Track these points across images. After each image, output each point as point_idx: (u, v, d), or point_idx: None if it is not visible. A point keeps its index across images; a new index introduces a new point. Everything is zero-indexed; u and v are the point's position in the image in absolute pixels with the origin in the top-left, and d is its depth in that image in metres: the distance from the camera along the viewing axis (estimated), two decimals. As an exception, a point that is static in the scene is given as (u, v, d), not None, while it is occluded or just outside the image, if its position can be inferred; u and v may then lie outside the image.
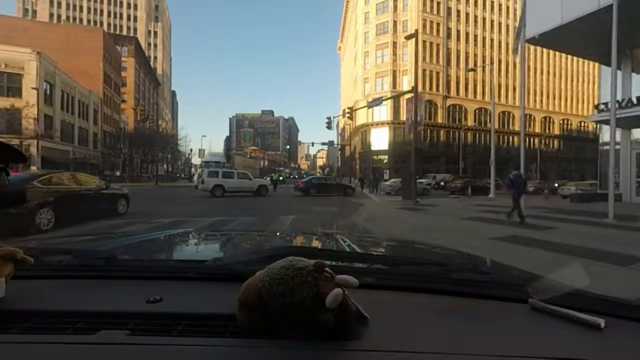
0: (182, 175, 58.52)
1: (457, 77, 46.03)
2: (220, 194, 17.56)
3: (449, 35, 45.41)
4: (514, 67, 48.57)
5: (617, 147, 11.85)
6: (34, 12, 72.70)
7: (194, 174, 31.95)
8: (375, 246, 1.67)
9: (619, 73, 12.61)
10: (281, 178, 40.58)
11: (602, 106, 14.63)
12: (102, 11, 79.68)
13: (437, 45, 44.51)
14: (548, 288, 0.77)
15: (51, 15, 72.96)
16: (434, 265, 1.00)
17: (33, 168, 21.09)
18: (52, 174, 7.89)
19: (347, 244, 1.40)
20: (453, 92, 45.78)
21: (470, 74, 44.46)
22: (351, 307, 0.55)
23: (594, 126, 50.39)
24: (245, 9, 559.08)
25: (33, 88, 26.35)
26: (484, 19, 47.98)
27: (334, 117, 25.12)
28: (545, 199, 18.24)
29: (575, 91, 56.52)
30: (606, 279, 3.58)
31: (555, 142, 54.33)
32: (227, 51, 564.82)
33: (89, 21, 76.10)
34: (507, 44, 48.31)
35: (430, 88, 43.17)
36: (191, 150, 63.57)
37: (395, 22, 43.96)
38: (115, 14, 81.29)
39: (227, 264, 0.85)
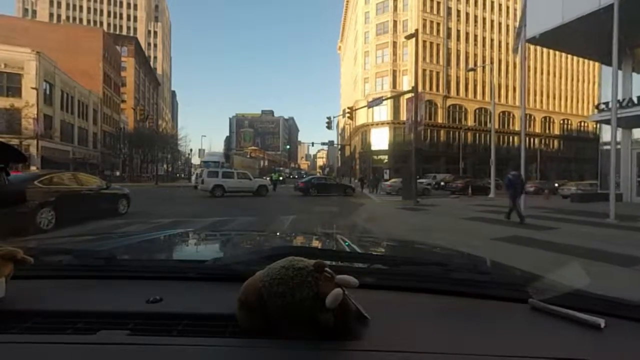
0: (182, 175, 58.51)
1: (457, 77, 46.03)
2: (220, 194, 17.56)
3: (449, 35, 45.42)
4: (514, 67, 48.58)
5: (618, 147, 11.84)
6: (34, 12, 72.69)
7: (193, 174, 31.85)
8: (375, 246, 1.67)
9: (620, 73, 12.62)
10: (281, 178, 40.56)
11: (602, 106, 14.63)
12: (102, 11, 79.67)
13: (437, 45, 44.52)
14: (548, 288, 0.77)
15: (51, 15, 72.96)
16: (434, 265, 1.00)
17: (33, 168, 21.08)
18: (53, 174, 7.89)
19: (347, 244, 1.40)
20: (453, 92, 45.79)
21: (471, 74, 44.47)
22: (351, 307, 0.55)
23: (594, 126, 50.41)
24: (245, 9, 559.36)
25: (33, 88, 26.34)
26: (484, 19, 47.98)
27: (334, 117, 25.13)
28: (545, 199, 18.24)
29: (575, 91, 56.53)
30: (609, 280, 3.56)
31: (556, 142, 54.34)
32: (227, 51, 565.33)
33: (89, 21, 76.09)
34: (507, 44, 48.32)
35: (430, 88, 43.17)
36: (191, 150, 63.65)
37: (395, 22, 43.97)
38: (115, 14, 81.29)
39: (227, 264, 0.85)
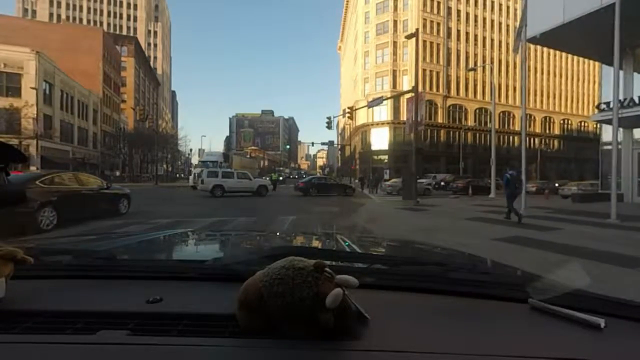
0: (182, 175, 58.54)
1: (458, 77, 46.03)
2: (220, 194, 17.57)
3: (449, 35, 45.41)
4: (514, 67, 48.58)
5: (619, 147, 11.84)
6: (34, 12, 72.68)
7: (191, 174, 31.73)
8: (375, 246, 1.67)
9: (621, 72, 12.61)
10: (281, 178, 40.57)
11: (603, 106, 14.59)
12: (102, 11, 79.67)
13: (438, 45, 44.51)
14: (548, 288, 0.77)
15: (51, 15, 72.96)
16: (434, 265, 1.00)
17: (32, 168, 21.09)
18: (54, 174, 7.91)
19: (347, 244, 1.40)
20: (453, 92, 45.79)
21: (471, 73, 44.48)
22: (351, 307, 0.55)
23: (594, 126, 50.40)
24: (245, 8, 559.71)
25: (32, 88, 26.34)
26: (484, 18, 47.98)
27: (334, 117, 25.10)
28: (546, 199, 18.24)
29: (576, 91, 56.53)
30: (611, 281, 3.53)
31: (556, 142, 54.34)
32: (227, 51, 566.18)
33: (88, 21, 76.10)
34: (508, 43, 48.31)
35: (431, 88, 43.17)
36: (191, 150, 63.73)
37: (395, 22, 43.96)
38: (115, 14, 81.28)
39: (227, 264, 0.85)
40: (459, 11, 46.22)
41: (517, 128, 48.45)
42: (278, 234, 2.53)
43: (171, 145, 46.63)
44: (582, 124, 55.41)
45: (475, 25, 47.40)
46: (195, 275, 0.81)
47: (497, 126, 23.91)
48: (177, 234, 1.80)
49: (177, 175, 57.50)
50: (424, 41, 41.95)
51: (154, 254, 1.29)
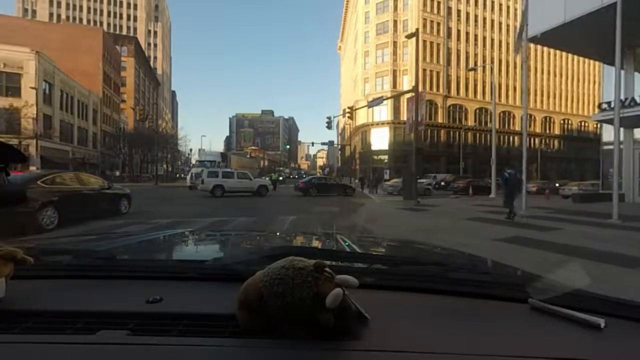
0: (182, 175, 58.50)
1: (458, 77, 46.03)
2: (220, 194, 17.57)
3: (449, 35, 45.41)
4: (515, 67, 48.59)
5: (620, 146, 11.81)
6: (34, 12, 72.68)
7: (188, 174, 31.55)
8: (375, 246, 1.67)
9: (622, 72, 12.61)
10: (281, 178, 40.55)
11: (604, 105, 14.58)
12: (102, 11, 79.67)
13: (438, 45, 44.51)
14: (548, 288, 0.77)
15: (51, 15, 72.96)
16: (434, 265, 1.00)
17: (32, 168, 21.07)
18: (55, 174, 7.93)
19: (347, 244, 1.40)
20: (453, 92, 45.79)
21: (471, 73, 44.47)
22: (351, 307, 0.55)
23: (595, 126, 50.40)
24: (245, 8, 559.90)
25: (32, 88, 26.33)
26: (484, 18, 47.98)
27: (334, 117, 25.09)
28: (546, 199, 18.24)
29: (576, 91, 56.53)
30: (612, 282, 3.53)
31: (556, 142, 54.34)
32: (227, 51, 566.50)
33: (88, 21, 76.11)
34: (508, 43, 48.34)
35: (431, 88, 43.17)
36: (191, 150, 63.73)
37: (395, 22, 43.96)
38: (115, 13, 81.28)
39: (227, 264, 0.85)
40: (459, 11, 46.22)
41: (517, 128, 48.46)
42: (278, 234, 2.53)
43: (171, 145, 46.62)
44: (583, 124, 55.41)
45: (476, 25, 47.40)
46: (195, 275, 0.81)
47: (497, 126, 23.93)
48: (177, 234, 1.80)
49: (177, 175, 57.48)
50: (424, 41, 41.95)
51: (154, 254, 1.29)
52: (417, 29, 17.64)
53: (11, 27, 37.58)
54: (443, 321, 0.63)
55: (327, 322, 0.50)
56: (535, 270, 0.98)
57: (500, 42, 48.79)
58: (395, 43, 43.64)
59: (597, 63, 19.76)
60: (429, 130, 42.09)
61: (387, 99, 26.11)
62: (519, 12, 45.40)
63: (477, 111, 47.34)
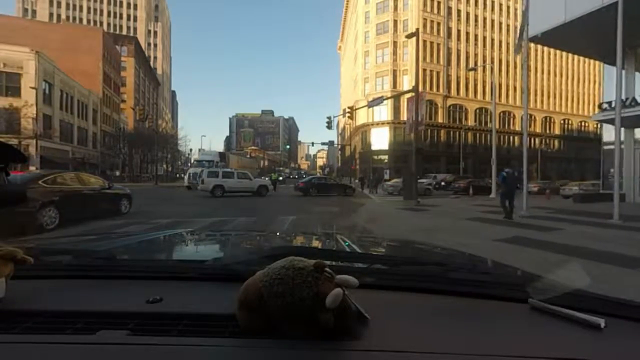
0: (182, 175, 58.43)
1: (458, 77, 46.03)
2: (220, 194, 17.56)
3: (449, 35, 45.41)
4: (515, 67, 48.60)
5: (621, 146, 11.82)
6: (34, 12, 72.67)
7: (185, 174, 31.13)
8: (375, 246, 1.67)
9: (622, 72, 12.61)
10: (280, 178, 40.53)
11: (605, 105, 14.57)
12: (102, 11, 79.66)
13: (438, 44, 44.51)
14: (548, 288, 0.77)
15: (51, 15, 72.96)
16: (434, 265, 1.00)
17: (32, 168, 21.08)
18: (56, 174, 7.96)
19: (347, 244, 1.40)
20: (453, 92, 45.78)
21: (471, 73, 44.47)
22: (351, 307, 0.55)
23: (595, 126, 50.40)
24: (245, 8, 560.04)
25: (32, 87, 26.32)
26: (484, 18, 47.98)
27: (334, 117, 25.09)
28: (547, 199, 18.24)
29: (576, 91, 56.54)
30: (613, 282, 3.52)
31: (556, 142, 54.35)
32: (227, 51, 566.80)
33: (88, 21, 76.10)
34: (508, 43, 48.35)
35: (431, 88, 43.17)
36: (191, 150, 63.71)
37: (395, 22, 43.96)
38: (115, 13, 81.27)
39: (227, 264, 0.85)
40: (459, 11, 46.21)
41: (517, 128, 48.46)
42: (278, 234, 2.53)
43: (171, 145, 46.61)
44: (583, 123, 55.41)
45: (476, 25, 47.39)
46: (195, 275, 0.80)
47: (497, 126, 23.94)
48: (177, 234, 1.80)
49: (177, 175, 57.48)
50: (424, 41, 41.94)
51: (154, 254, 1.29)
52: (417, 29, 17.63)
53: (11, 27, 37.57)
54: (443, 321, 0.63)
55: (327, 322, 0.50)
56: (536, 271, 0.98)
57: (500, 42, 48.79)
58: (395, 43, 43.63)
59: (597, 63, 19.77)
60: (429, 130, 42.09)
61: (387, 99, 26.10)
62: (519, 12, 45.41)
63: (477, 111, 47.34)
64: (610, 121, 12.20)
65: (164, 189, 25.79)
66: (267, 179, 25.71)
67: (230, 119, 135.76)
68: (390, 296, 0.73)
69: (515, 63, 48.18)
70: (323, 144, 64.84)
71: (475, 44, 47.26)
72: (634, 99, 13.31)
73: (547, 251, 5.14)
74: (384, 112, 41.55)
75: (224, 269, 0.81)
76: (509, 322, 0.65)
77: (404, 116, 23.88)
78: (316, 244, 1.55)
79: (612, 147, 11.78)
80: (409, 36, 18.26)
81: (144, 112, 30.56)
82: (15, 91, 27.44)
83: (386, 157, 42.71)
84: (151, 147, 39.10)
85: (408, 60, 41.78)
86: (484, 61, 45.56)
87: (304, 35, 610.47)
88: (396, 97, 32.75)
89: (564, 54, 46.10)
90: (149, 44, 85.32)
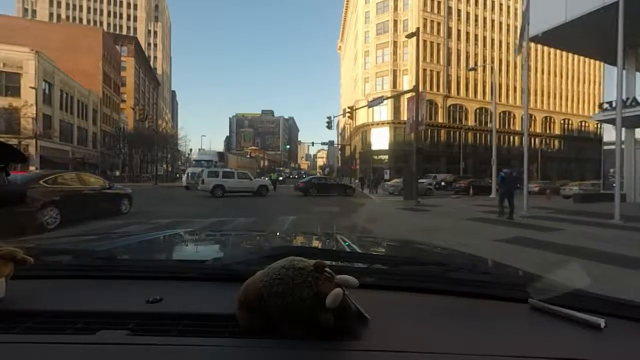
0: (182, 175, 58.39)
1: (458, 77, 46.02)
2: (220, 194, 17.56)
3: (449, 35, 45.40)
4: (515, 67, 48.60)
5: (622, 146, 11.82)
6: (34, 12, 72.67)
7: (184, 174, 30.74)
8: (375, 246, 1.67)
9: (623, 72, 12.61)
10: (280, 178, 40.52)
11: (606, 105, 14.55)
12: (102, 11, 79.65)
13: (438, 44, 44.50)
14: (548, 288, 0.77)
15: (51, 15, 72.95)
16: (434, 265, 1.00)
17: (32, 168, 21.06)
18: (57, 174, 7.98)
19: (347, 244, 1.40)
20: (454, 92, 45.78)
21: (471, 73, 44.47)
22: (351, 307, 0.55)
23: (595, 126, 50.42)
24: (245, 8, 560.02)
25: (32, 87, 26.30)
26: (484, 18, 47.97)
27: (334, 117, 25.08)
28: (547, 199, 18.23)
29: (576, 91, 56.53)
30: (615, 283, 3.51)
31: (556, 142, 54.34)
32: (227, 51, 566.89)
33: (88, 21, 76.11)
34: (508, 43, 48.35)
35: (431, 88, 43.16)
36: (191, 150, 63.67)
37: (395, 22, 43.95)
38: (115, 13, 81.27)
39: (227, 264, 0.85)
40: (459, 11, 46.20)
41: (517, 128, 48.45)
42: (278, 234, 2.53)
43: (171, 145, 46.60)
44: (583, 123, 55.41)
45: (476, 25, 47.38)
46: (195, 275, 0.80)
47: (497, 126, 23.94)
48: (177, 234, 1.80)
49: (177, 175, 57.46)
50: (424, 41, 41.92)
51: (154, 254, 1.29)
52: (418, 29, 17.61)
53: (11, 27, 37.56)
54: (443, 321, 0.63)
55: (327, 322, 0.50)
56: (536, 271, 0.98)
57: (500, 42, 48.78)
58: (395, 43, 43.63)
59: (597, 63, 19.76)
60: (429, 130, 42.08)
61: (387, 98, 26.09)
62: (519, 12, 45.39)
63: (477, 111, 47.33)
64: (611, 121, 12.20)
65: (164, 189, 25.79)
66: (267, 179, 25.67)
67: (230, 119, 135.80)
68: (390, 296, 0.73)
69: (515, 63, 48.18)
70: (323, 144, 64.86)
71: (476, 44, 47.24)
72: (634, 98, 13.30)
73: (548, 251, 5.12)
74: (384, 112, 41.55)
75: (224, 269, 0.81)
76: (509, 322, 0.64)
77: (404, 116, 23.89)
78: (316, 244, 1.55)
79: (612, 147, 11.78)
80: (409, 36, 18.26)
81: (144, 112, 30.55)
82: (15, 91, 27.43)
83: (386, 157, 42.70)
84: (151, 147, 39.09)
85: (408, 60, 41.76)
86: (484, 61, 45.56)
87: (304, 35, 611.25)
88: (396, 97, 32.75)
89: (564, 53, 46.09)
90: (149, 44, 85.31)
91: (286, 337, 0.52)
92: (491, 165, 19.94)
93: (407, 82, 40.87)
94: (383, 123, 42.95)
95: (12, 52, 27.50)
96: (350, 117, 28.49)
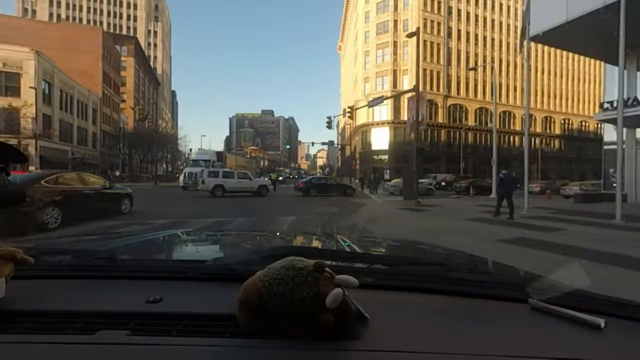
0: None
1: (458, 77, 46.02)
2: (220, 194, 17.56)
3: (449, 35, 45.40)
4: (515, 66, 48.61)
5: (623, 146, 11.82)
6: (34, 11, 72.68)
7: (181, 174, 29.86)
8: (375, 246, 1.67)
9: (624, 72, 12.59)
10: (280, 178, 40.51)
11: (607, 105, 14.52)
12: (101, 11, 79.66)
13: (438, 44, 44.50)
14: (548, 288, 0.77)
15: (51, 14, 72.94)
16: (434, 265, 1.00)
17: (32, 168, 21.08)
18: (58, 174, 7.99)
19: (347, 244, 1.40)
20: (454, 92, 45.78)
21: (471, 73, 44.48)
22: (351, 307, 0.55)
23: (595, 126, 50.42)
24: (245, 9, 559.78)
25: (31, 87, 26.32)
26: (484, 18, 47.97)
27: (334, 117, 25.08)
28: (547, 199, 18.23)
29: (576, 91, 56.53)
30: (616, 283, 3.51)
31: (556, 141, 54.34)
32: (227, 51, 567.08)
33: (88, 21, 76.10)
34: (508, 43, 48.36)
35: (431, 88, 43.16)
36: (191, 150, 63.64)
37: (395, 22, 43.96)
38: (115, 13, 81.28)
39: (227, 264, 0.85)
40: (459, 10, 46.20)
41: (517, 128, 48.45)
42: (278, 234, 2.52)
43: (171, 145, 46.58)
44: (583, 123, 55.41)
45: (476, 25, 47.38)
46: (195, 275, 0.80)
47: (497, 126, 23.95)
48: (177, 234, 1.80)
49: (177, 175, 57.44)
50: (425, 41, 41.92)
51: (154, 254, 1.29)
52: (418, 29, 17.60)
53: (11, 26, 37.55)
54: (443, 321, 0.63)
55: (327, 322, 0.50)
56: (537, 271, 0.98)
57: (500, 41, 48.78)
58: (395, 43, 43.63)
59: (598, 63, 19.77)
60: (429, 130, 42.09)
61: (388, 98, 26.10)
62: (519, 12, 45.38)
63: (478, 111, 47.34)
64: (612, 121, 12.19)
65: (164, 189, 25.78)
66: (267, 179, 25.64)
67: (230, 119, 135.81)
68: (390, 296, 0.73)
69: (515, 63, 48.20)
70: (323, 143, 64.88)
71: (476, 44, 47.24)
72: (635, 98, 13.28)
73: (549, 252, 5.10)
74: (384, 112, 41.56)
75: (224, 269, 0.81)
76: (509, 322, 0.64)
77: (404, 116, 23.90)
78: (316, 244, 1.55)
79: (613, 147, 11.78)
80: (409, 36, 18.25)
81: (144, 112, 30.48)
82: (14, 91, 27.43)
83: (386, 157, 42.71)
84: (151, 147, 39.07)
85: (408, 60, 41.77)
86: (485, 61, 45.56)
87: (304, 35, 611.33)
88: (396, 97, 32.78)
89: (565, 53, 46.12)
90: (149, 44, 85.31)
91: (286, 337, 0.52)
92: (491, 165, 19.94)
93: (407, 82, 40.86)
94: (383, 123, 42.95)
95: (12, 52, 27.50)
96: (350, 117, 28.47)
